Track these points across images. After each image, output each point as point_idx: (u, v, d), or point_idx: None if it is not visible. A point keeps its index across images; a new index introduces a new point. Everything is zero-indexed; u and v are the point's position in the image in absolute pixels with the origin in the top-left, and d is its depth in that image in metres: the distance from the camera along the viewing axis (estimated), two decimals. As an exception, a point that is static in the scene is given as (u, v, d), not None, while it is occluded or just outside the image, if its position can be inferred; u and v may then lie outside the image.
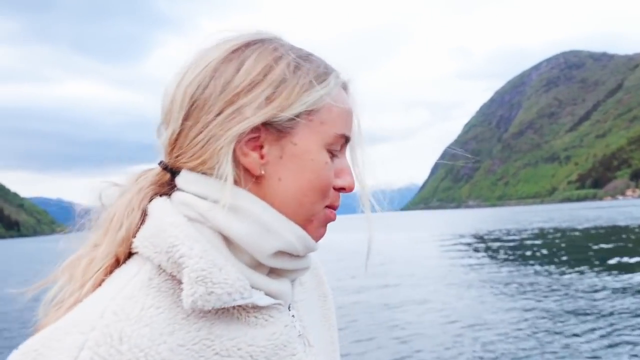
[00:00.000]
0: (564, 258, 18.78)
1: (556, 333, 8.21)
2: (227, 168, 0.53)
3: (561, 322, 8.86)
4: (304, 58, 0.59)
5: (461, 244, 29.41)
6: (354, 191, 0.63)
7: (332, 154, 0.59)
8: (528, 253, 21.50)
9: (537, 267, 16.53)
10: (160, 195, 0.57)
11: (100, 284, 0.52)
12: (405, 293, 13.25)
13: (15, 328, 11.96)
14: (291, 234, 0.57)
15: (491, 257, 20.94)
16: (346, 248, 32.22)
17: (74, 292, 0.52)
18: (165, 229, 0.52)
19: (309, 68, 0.59)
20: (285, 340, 0.58)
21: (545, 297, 11.17)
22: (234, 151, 0.54)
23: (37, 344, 0.45)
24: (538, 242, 27.39)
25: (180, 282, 0.51)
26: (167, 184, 0.58)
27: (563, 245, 24.53)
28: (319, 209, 0.59)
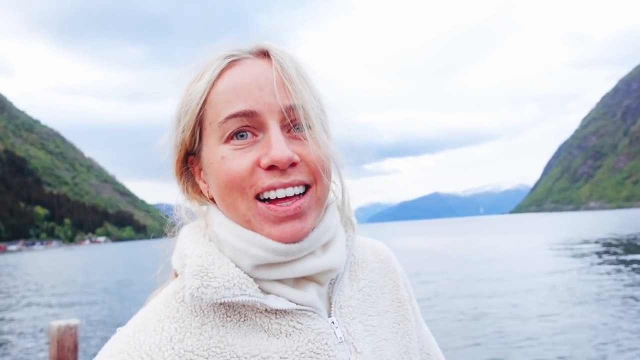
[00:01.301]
0: None
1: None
2: (181, 202, 0.62)
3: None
4: (192, 68, 0.62)
5: (583, 250, 26.64)
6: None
7: (238, 143, 0.57)
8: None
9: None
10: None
11: None
12: (509, 303, 12.40)
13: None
14: (254, 247, 0.57)
15: (617, 266, 18.68)
16: (458, 253, 30.88)
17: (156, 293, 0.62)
18: (183, 241, 0.61)
19: (186, 86, 0.62)
20: (317, 347, 0.58)
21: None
22: (197, 181, 0.63)
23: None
24: (675, 249, 23.83)
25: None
26: None
27: None
28: (244, 205, 0.57)
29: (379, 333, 0.67)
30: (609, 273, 16.76)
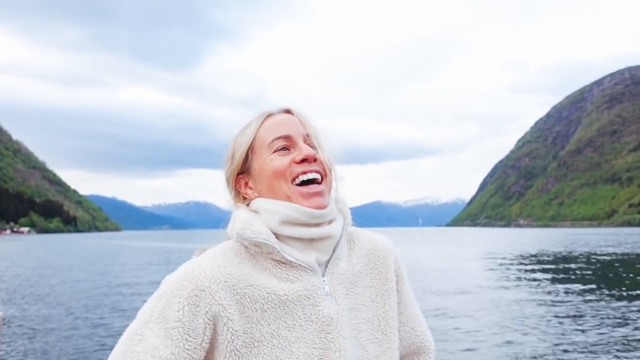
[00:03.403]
0: (625, 284, 17.42)
1: (612, 364, 7.46)
2: (235, 201, 1.01)
3: (612, 352, 8.08)
4: (246, 125, 1.02)
5: (508, 262, 28.05)
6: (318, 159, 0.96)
7: (280, 151, 0.96)
8: (581, 276, 20.13)
9: (590, 293, 15.39)
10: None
11: None
12: (438, 307, 12.67)
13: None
14: (284, 208, 0.92)
15: (538, 278, 19.77)
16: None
17: None
18: (235, 214, 0.98)
19: (242, 128, 1.01)
20: (310, 294, 0.90)
21: (594, 326, 10.29)
22: (242, 191, 1.00)
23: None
24: (594, 266, 25.67)
25: (243, 248, 0.93)
26: None
27: (622, 269, 22.83)
28: (286, 187, 0.93)
29: (359, 299, 0.96)
30: (539, 285, 17.68)
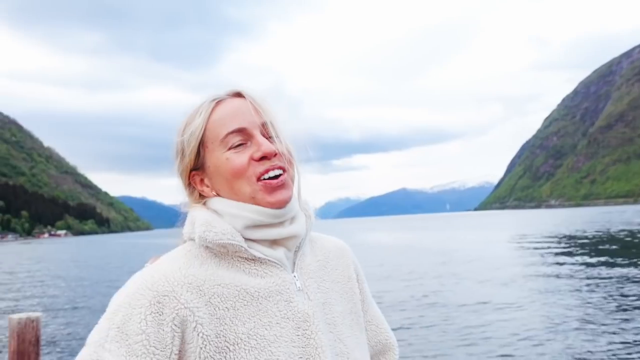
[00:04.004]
0: (667, 262, 16.79)
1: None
2: (189, 202, 0.92)
3: (670, 333, 7.80)
4: (191, 114, 0.90)
5: (543, 245, 27.42)
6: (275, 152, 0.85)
7: (236, 148, 0.85)
8: (618, 256, 19.51)
9: (629, 271, 14.90)
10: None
11: None
12: (472, 294, 12.50)
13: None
14: (248, 212, 0.84)
15: (575, 259, 19.25)
16: (424, 247, 31.18)
17: None
18: (192, 214, 0.89)
19: (188, 119, 0.90)
20: (282, 289, 0.85)
21: (635, 308, 9.96)
22: (198, 188, 0.91)
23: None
24: (631, 243, 24.83)
25: (204, 248, 0.85)
26: None
27: (664, 248, 22.01)
28: (249, 188, 0.85)
29: (330, 294, 0.93)
30: (573, 265, 17.23)
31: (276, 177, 0.85)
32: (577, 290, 12.36)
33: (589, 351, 7.31)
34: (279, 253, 0.87)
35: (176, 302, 0.77)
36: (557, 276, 14.92)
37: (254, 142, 0.86)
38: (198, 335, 0.76)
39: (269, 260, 0.85)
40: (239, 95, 0.89)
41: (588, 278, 14.22)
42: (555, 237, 33.37)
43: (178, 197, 0.94)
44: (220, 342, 0.77)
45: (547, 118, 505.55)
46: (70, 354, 8.78)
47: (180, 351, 0.76)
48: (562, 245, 26.65)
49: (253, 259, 0.85)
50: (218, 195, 0.89)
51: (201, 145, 0.88)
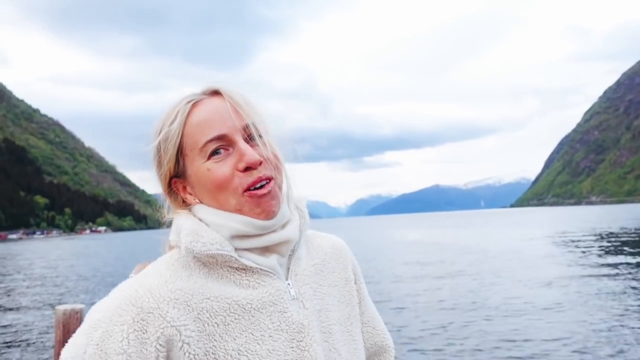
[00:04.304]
0: None
1: None
2: (169, 209, 0.86)
3: None
4: (167, 115, 0.82)
5: (585, 243, 26.38)
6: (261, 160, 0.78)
7: (217, 157, 0.78)
8: (672, 254, 18.51)
9: (687, 271, 14.09)
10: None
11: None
12: (511, 295, 12.11)
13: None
14: (234, 222, 0.78)
15: (619, 259, 18.39)
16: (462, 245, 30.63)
17: None
18: (178, 222, 0.82)
19: (164, 123, 0.82)
20: (275, 299, 0.79)
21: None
22: (181, 195, 0.84)
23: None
24: (684, 242, 23.54)
25: (192, 257, 0.79)
26: None
27: None
28: (235, 200, 0.78)
29: (327, 299, 0.88)
30: (616, 267, 16.47)
31: (262, 186, 0.78)
32: (623, 292, 11.79)
33: None
34: (271, 260, 0.81)
35: (161, 320, 0.71)
36: (603, 277, 14.28)
37: (236, 149, 0.78)
38: (185, 354, 0.71)
39: (261, 269, 0.80)
40: (216, 93, 0.82)
41: (635, 279, 13.54)
42: (598, 235, 32.03)
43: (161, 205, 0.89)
44: None
45: (587, 111, 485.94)
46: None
47: None
48: (605, 243, 25.52)
49: (244, 269, 0.79)
50: (202, 202, 0.82)
51: (179, 153, 0.81)
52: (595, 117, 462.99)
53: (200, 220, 0.80)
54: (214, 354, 0.73)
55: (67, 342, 0.68)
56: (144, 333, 0.69)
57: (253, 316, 0.77)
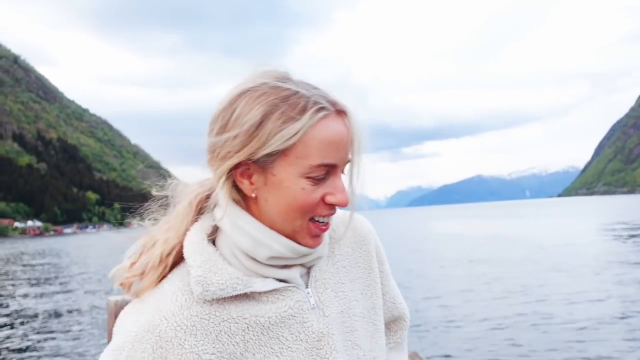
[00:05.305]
0: None
1: None
2: (221, 195, 0.76)
3: None
4: (284, 99, 0.72)
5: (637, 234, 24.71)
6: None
7: (316, 180, 0.74)
8: None
9: None
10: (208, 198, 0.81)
11: (174, 265, 0.80)
12: (562, 287, 11.39)
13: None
14: (278, 245, 0.75)
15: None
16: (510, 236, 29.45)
17: (156, 268, 0.79)
18: (185, 244, 0.78)
19: (284, 110, 0.71)
20: (295, 312, 0.78)
21: None
22: (237, 178, 0.76)
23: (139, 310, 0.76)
24: None
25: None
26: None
27: None
28: (301, 223, 0.75)
29: (350, 296, 0.87)
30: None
31: (326, 222, 0.78)
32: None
33: None
34: (293, 272, 0.80)
35: (180, 348, 0.72)
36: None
37: (333, 181, 0.76)
38: None
39: (280, 287, 0.78)
40: (342, 113, 0.76)
41: None
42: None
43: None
44: None
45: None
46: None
47: None
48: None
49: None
50: (258, 200, 0.77)
51: (282, 150, 0.73)
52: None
53: (230, 227, 0.77)
54: None
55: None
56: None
57: (272, 331, 0.77)
